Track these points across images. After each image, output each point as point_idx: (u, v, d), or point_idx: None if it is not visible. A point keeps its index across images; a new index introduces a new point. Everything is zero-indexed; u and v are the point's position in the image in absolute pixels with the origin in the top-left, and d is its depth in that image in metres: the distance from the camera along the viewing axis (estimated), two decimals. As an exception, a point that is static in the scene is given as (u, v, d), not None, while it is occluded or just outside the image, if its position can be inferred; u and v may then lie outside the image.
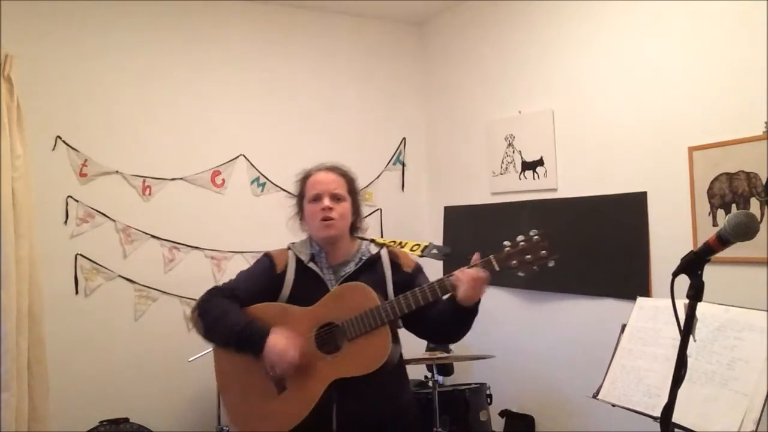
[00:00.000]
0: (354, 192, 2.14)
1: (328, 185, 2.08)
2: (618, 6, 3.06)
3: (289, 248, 2.15)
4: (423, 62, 4.45)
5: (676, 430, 1.79)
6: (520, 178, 3.63)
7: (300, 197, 2.16)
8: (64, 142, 3.39)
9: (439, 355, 3.29)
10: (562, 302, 3.38)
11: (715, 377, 1.85)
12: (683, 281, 1.35)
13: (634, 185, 3.01)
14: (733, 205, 2.59)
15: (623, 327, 2.25)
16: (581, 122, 3.28)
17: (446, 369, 3.54)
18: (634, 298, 2.30)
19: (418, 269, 2.11)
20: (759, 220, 1.88)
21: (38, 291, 3.12)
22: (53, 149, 3.37)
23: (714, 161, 2.65)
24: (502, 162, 3.76)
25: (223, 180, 3.79)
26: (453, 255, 2.02)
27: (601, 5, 3.15)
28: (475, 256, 1.86)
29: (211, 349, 3.22)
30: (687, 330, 1.35)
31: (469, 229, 4.01)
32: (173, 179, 3.66)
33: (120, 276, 3.50)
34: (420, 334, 2.11)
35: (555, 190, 3.43)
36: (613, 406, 2.10)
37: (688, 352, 1.37)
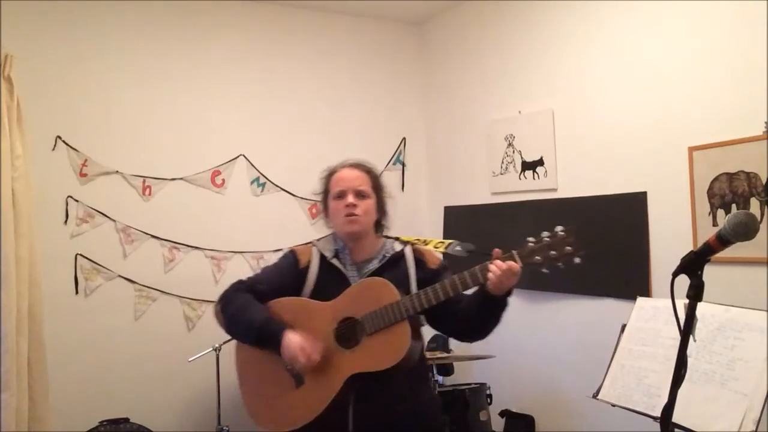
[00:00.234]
0: (379, 189, 2.10)
1: (352, 182, 2.04)
2: (618, 6, 3.06)
3: (312, 244, 2.13)
4: (423, 62, 4.45)
5: (676, 430, 1.79)
6: (520, 178, 3.63)
7: (324, 194, 2.12)
8: (64, 142, 3.39)
9: (439, 355, 3.29)
10: (562, 302, 3.38)
11: (714, 377, 1.85)
12: (683, 281, 1.35)
13: (634, 185, 3.01)
14: (733, 205, 2.59)
15: (623, 327, 2.25)
16: (581, 122, 3.28)
17: (446, 369, 3.55)
18: (634, 298, 2.31)
19: (444, 267, 2.08)
20: (759, 220, 1.88)
21: (38, 291, 3.12)
22: (53, 149, 3.37)
23: (714, 161, 2.65)
24: (502, 162, 3.76)
25: (223, 180, 3.79)
26: (476, 252, 1.98)
27: (601, 5, 3.15)
28: (496, 251, 1.83)
29: (210, 349, 3.24)
30: (687, 330, 1.35)
31: (469, 229, 4.01)
32: (173, 179, 3.66)
33: (120, 276, 3.50)
34: (446, 331, 2.07)
35: (555, 190, 3.43)
36: (613, 406, 2.11)
37: (688, 352, 1.37)
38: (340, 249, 2.07)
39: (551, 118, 3.43)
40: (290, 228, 3.94)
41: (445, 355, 3.34)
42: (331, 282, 2.02)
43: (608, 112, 3.13)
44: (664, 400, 1.39)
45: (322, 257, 2.06)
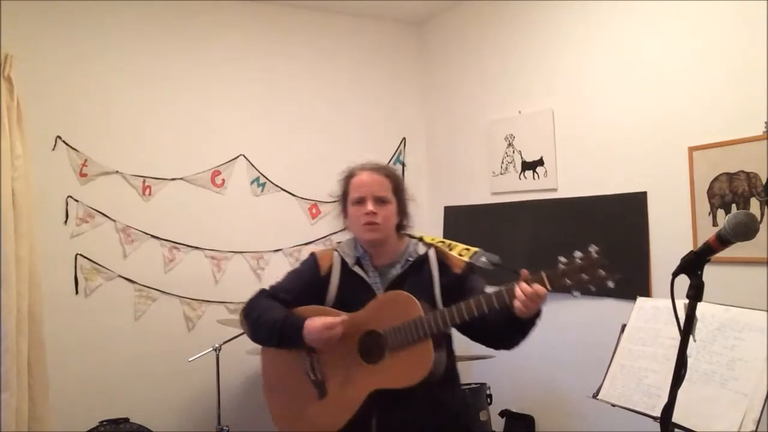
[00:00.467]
0: (400, 191, 2.04)
1: (372, 187, 1.98)
2: (618, 6, 3.06)
3: (335, 249, 2.09)
4: (423, 62, 4.45)
5: (676, 430, 1.79)
6: (520, 178, 3.63)
7: (344, 197, 2.08)
8: (64, 142, 3.39)
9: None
10: (562, 302, 3.37)
11: (714, 377, 1.85)
12: (683, 281, 1.35)
13: (634, 185, 3.01)
14: (733, 205, 2.59)
15: (623, 327, 2.25)
16: (581, 122, 3.28)
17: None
18: (634, 298, 2.30)
19: (470, 269, 1.99)
20: (759, 220, 1.88)
21: (38, 291, 3.12)
22: (53, 149, 3.37)
23: (714, 161, 2.65)
24: (502, 162, 3.76)
25: (223, 180, 3.79)
26: (502, 266, 1.91)
27: (601, 5, 3.15)
28: (524, 273, 1.73)
29: (210, 349, 3.24)
30: (687, 330, 1.35)
31: (469, 229, 4.01)
32: (173, 179, 3.66)
33: (120, 276, 3.50)
34: (473, 339, 1.99)
35: (555, 190, 3.43)
36: (613, 406, 2.10)
37: (688, 352, 1.37)
38: (361, 255, 2.02)
39: (551, 118, 3.43)
40: (290, 228, 3.94)
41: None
42: (354, 290, 1.98)
43: (608, 112, 3.13)
44: (664, 400, 1.39)
45: (344, 263, 2.03)
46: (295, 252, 3.94)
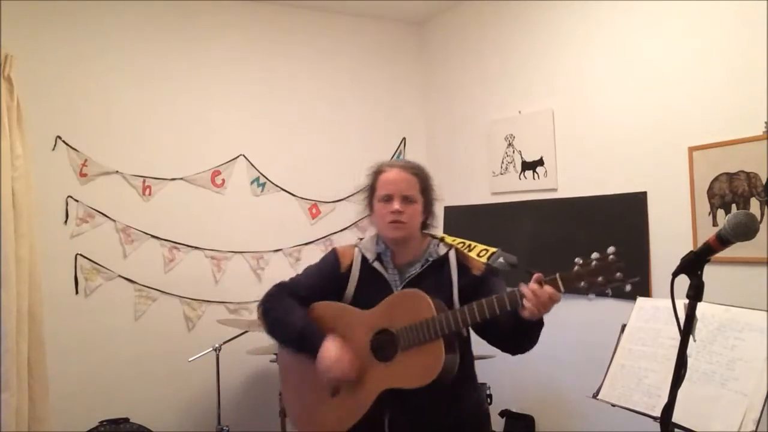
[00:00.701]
0: (427, 190, 2.03)
1: (400, 185, 1.96)
2: (618, 6, 3.06)
3: (356, 245, 2.08)
4: (423, 62, 4.45)
5: (676, 430, 1.79)
6: (520, 178, 3.63)
7: (370, 192, 2.04)
8: (64, 142, 3.39)
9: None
10: (562, 302, 3.36)
11: (714, 377, 1.85)
12: (683, 281, 1.35)
13: (634, 185, 3.01)
14: (733, 205, 2.59)
15: (623, 327, 2.25)
16: (581, 122, 3.28)
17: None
18: (634, 298, 2.30)
19: (490, 271, 1.98)
20: (759, 220, 1.88)
21: (38, 291, 3.13)
22: (53, 149, 3.37)
23: (714, 161, 2.65)
24: (502, 162, 3.76)
25: (223, 180, 3.79)
26: (518, 267, 1.89)
27: (601, 5, 3.15)
28: (537, 275, 1.70)
29: (210, 349, 3.24)
30: (687, 330, 1.35)
31: (469, 229, 4.01)
32: (173, 179, 3.66)
33: (120, 276, 3.50)
34: (489, 342, 1.97)
35: (555, 190, 3.43)
36: (613, 406, 2.10)
37: (688, 352, 1.37)
38: (382, 252, 2.01)
39: (551, 118, 3.43)
40: (290, 228, 3.94)
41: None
42: (373, 286, 1.98)
43: (608, 112, 3.13)
44: (664, 400, 1.38)
45: (364, 260, 2.02)
46: (295, 252, 3.94)
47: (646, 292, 2.89)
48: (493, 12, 3.82)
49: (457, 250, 2.03)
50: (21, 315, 3.02)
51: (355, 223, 4.04)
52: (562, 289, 1.69)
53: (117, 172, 3.52)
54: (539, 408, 3.55)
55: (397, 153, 4.33)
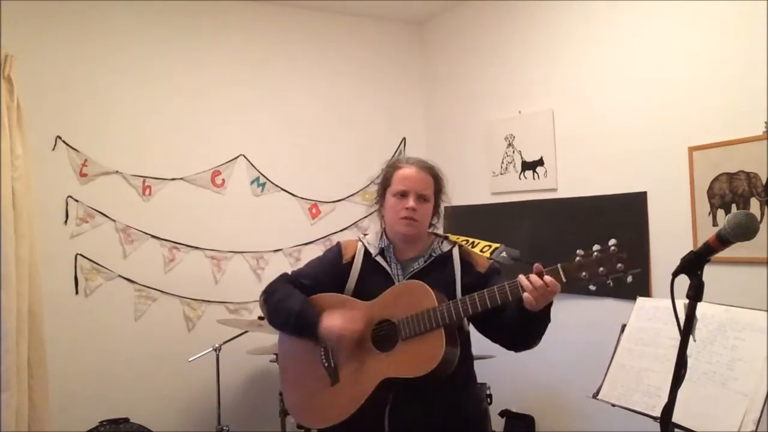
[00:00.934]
0: (439, 192, 2.06)
1: (417, 184, 1.98)
2: (618, 6, 3.06)
3: (359, 240, 2.10)
4: (423, 62, 4.45)
5: (676, 430, 1.79)
6: (520, 178, 3.63)
7: (384, 185, 2.05)
8: (64, 142, 3.39)
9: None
10: (562, 302, 3.35)
11: (715, 377, 1.85)
12: (683, 281, 1.35)
13: (634, 185, 3.01)
14: (733, 205, 2.59)
15: (623, 327, 2.25)
16: (581, 122, 3.28)
17: (446, 369, 3.54)
18: (634, 298, 2.30)
19: (493, 270, 2.00)
20: (759, 220, 1.88)
21: (38, 291, 3.12)
22: (53, 149, 3.37)
23: (714, 161, 2.65)
24: (502, 162, 3.76)
25: (223, 180, 3.79)
26: (521, 260, 1.90)
27: (601, 5, 3.15)
28: (538, 266, 1.72)
29: (210, 349, 3.24)
30: (687, 330, 1.35)
31: (470, 230, 4.00)
32: (173, 179, 3.66)
33: (120, 276, 3.50)
34: (493, 340, 1.98)
35: (555, 190, 3.43)
36: (613, 406, 2.10)
37: (688, 352, 1.37)
38: (386, 246, 2.03)
39: (551, 118, 3.43)
40: (290, 228, 3.95)
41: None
42: (375, 279, 1.99)
43: (608, 112, 3.13)
44: (664, 400, 1.38)
45: (367, 253, 2.04)
46: (295, 252, 3.94)
47: (646, 292, 2.88)
48: (493, 12, 3.82)
49: (461, 247, 2.05)
50: (21, 315, 3.01)
51: (355, 223, 4.04)
52: (563, 278, 1.70)
53: (117, 172, 3.52)
54: (539, 408, 3.55)
55: (397, 153, 4.33)
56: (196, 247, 3.69)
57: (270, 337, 3.22)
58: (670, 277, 1.35)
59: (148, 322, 3.56)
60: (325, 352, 1.97)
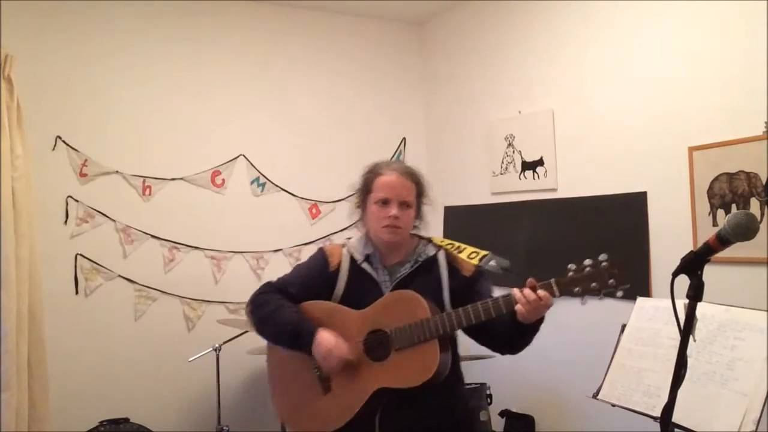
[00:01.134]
0: (421, 196, 2.05)
1: (399, 191, 1.96)
2: (618, 6, 3.06)
3: (343, 245, 2.09)
4: (423, 62, 4.45)
5: (676, 430, 1.79)
6: (520, 178, 3.63)
7: (364, 193, 2.04)
8: (64, 142, 3.39)
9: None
10: (562, 302, 3.36)
11: (715, 377, 1.85)
12: (683, 281, 1.35)
13: (634, 185, 3.01)
14: (733, 205, 2.59)
15: (623, 327, 2.25)
16: (581, 122, 3.28)
17: (446, 369, 3.54)
18: (634, 298, 2.30)
19: (479, 273, 1.99)
20: (759, 220, 1.88)
21: (38, 291, 3.12)
22: (53, 149, 3.37)
23: (714, 161, 2.65)
24: (502, 162, 3.76)
25: (223, 180, 3.79)
26: (511, 271, 1.91)
27: (601, 5, 3.15)
28: (531, 280, 1.74)
29: (210, 349, 3.24)
30: (687, 330, 1.35)
31: (469, 229, 4.01)
32: (173, 179, 3.66)
33: (120, 276, 3.50)
34: (481, 343, 2.00)
35: (555, 190, 3.43)
36: (613, 406, 2.10)
37: (688, 352, 1.37)
38: (371, 253, 2.02)
39: (551, 118, 3.43)
40: (290, 228, 3.95)
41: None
42: (362, 286, 1.99)
43: (608, 112, 3.13)
44: (664, 400, 1.38)
45: (353, 260, 2.03)
46: (295, 252, 3.94)
47: (646, 292, 2.89)
48: (492, 12, 3.82)
49: (446, 251, 2.04)
50: (21, 315, 3.01)
51: (355, 223, 4.03)
52: (557, 293, 1.73)
53: (117, 172, 3.52)
54: (539, 408, 3.55)
55: (397, 153, 4.33)
56: (196, 247, 3.69)
57: (270, 337, 3.21)
58: (670, 277, 1.36)
59: (148, 322, 3.55)
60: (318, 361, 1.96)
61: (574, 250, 3.17)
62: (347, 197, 4.01)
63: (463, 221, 4.09)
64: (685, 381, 1.36)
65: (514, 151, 3.67)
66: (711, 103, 2.67)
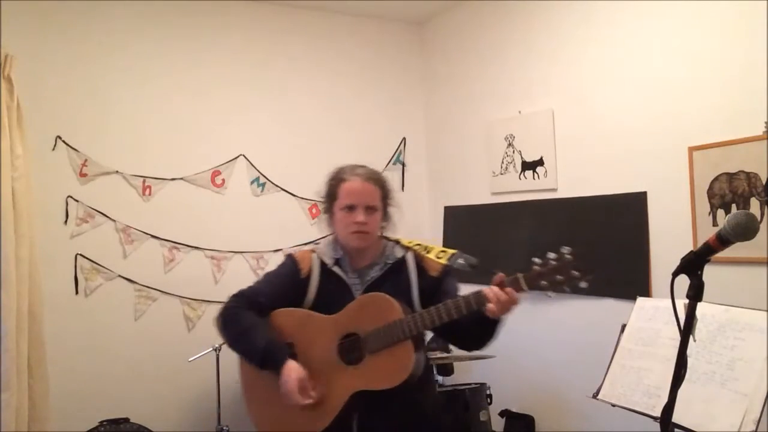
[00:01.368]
0: (386, 199, 2.09)
1: (364, 197, 2.00)
2: (618, 6, 3.06)
3: (313, 251, 2.11)
4: (423, 62, 4.45)
5: (676, 430, 1.79)
6: (520, 178, 3.63)
7: (330, 199, 2.08)
8: (64, 142, 3.39)
9: (439, 355, 3.29)
10: (562, 302, 3.38)
11: (715, 377, 1.85)
12: (683, 281, 1.35)
13: (634, 185, 3.01)
14: (733, 205, 2.59)
15: (623, 327, 2.25)
16: (581, 122, 3.28)
17: (446, 369, 3.54)
18: (634, 298, 2.30)
19: (446, 272, 2.03)
20: (759, 220, 1.88)
21: (38, 291, 3.12)
22: (53, 149, 3.37)
23: (714, 161, 2.65)
24: (502, 162, 3.76)
25: (223, 180, 3.79)
26: (479, 267, 1.94)
27: (601, 5, 3.15)
28: (499, 276, 1.77)
29: (210, 349, 3.24)
30: (687, 330, 1.35)
31: (469, 229, 4.01)
32: (173, 179, 3.66)
33: (120, 276, 3.50)
34: (446, 340, 2.05)
35: (555, 190, 3.43)
36: (613, 406, 2.10)
37: (688, 352, 1.37)
38: (341, 257, 2.05)
39: (551, 118, 3.43)
40: (290, 228, 3.94)
41: (445, 355, 3.34)
42: (334, 290, 2.00)
43: (608, 112, 3.13)
44: (664, 400, 1.38)
45: (323, 264, 2.05)
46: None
47: (646, 292, 2.89)
48: (492, 12, 3.82)
49: (415, 252, 2.07)
50: (21, 315, 3.01)
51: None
52: (524, 287, 1.76)
53: (117, 172, 3.52)
54: (539, 408, 3.55)
55: (397, 153, 4.33)
56: (196, 247, 3.69)
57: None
58: (670, 277, 1.36)
59: (148, 322, 3.55)
60: None
61: (574, 250, 3.17)
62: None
63: (463, 221, 4.09)
64: (685, 381, 1.36)
65: (514, 151, 3.67)
66: (711, 103, 2.67)
